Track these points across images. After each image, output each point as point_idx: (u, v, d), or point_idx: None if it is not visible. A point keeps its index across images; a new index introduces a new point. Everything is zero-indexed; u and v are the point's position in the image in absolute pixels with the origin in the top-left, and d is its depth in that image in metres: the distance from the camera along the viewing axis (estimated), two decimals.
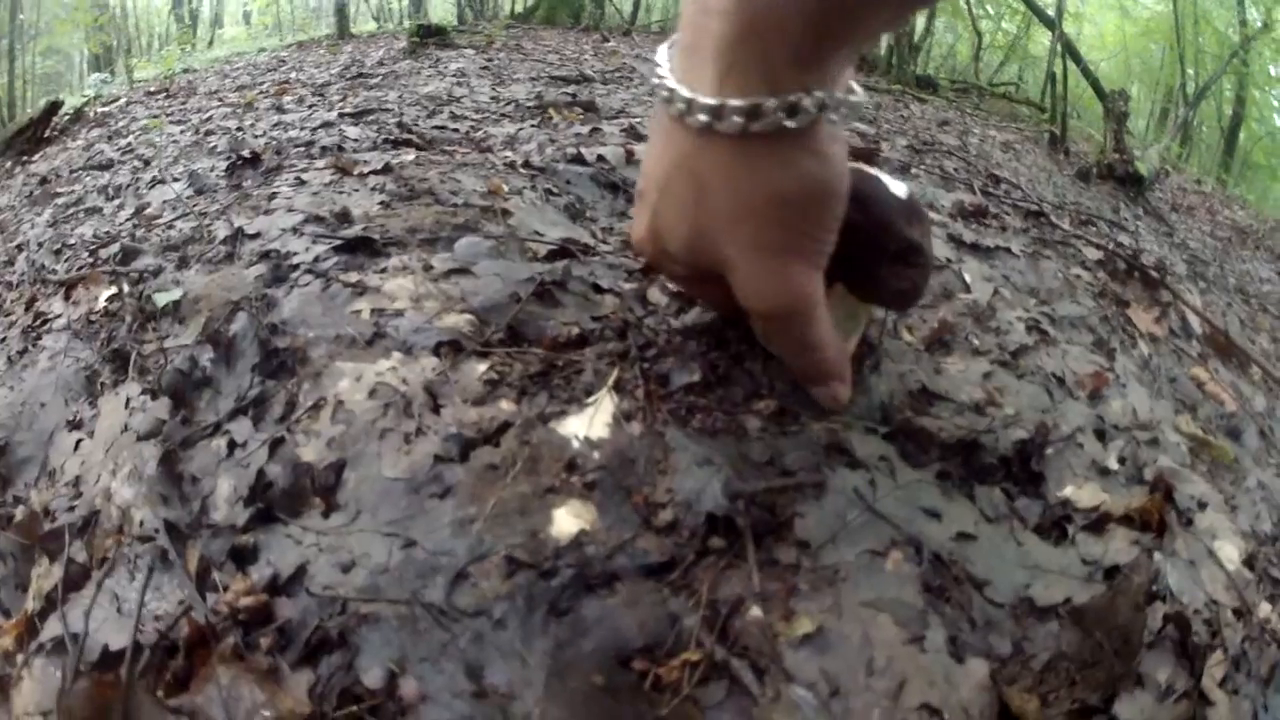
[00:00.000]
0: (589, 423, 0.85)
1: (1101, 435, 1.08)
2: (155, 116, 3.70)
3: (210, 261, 1.31)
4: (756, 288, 0.76)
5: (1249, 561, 0.97)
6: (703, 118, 0.68)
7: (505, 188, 1.49)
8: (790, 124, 0.67)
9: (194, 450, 0.90)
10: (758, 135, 0.68)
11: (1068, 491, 0.95)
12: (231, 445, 0.89)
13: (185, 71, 7.58)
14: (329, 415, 0.88)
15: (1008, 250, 1.74)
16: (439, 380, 0.91)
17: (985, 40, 11.53)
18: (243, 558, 0.77)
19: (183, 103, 4.32)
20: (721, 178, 0.71)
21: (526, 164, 1.71)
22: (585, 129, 2.20)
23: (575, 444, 0.83)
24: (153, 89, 5.96)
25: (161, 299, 1.16)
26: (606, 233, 1.40)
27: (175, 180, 2.01)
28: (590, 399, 0.89)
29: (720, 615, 0.70)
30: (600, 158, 1.74)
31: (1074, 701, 0.70)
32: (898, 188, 0.86)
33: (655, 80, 0.73)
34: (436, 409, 0.87)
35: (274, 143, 2.22)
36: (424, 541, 0.74)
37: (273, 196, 1.55)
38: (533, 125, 2.34)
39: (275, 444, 0.87)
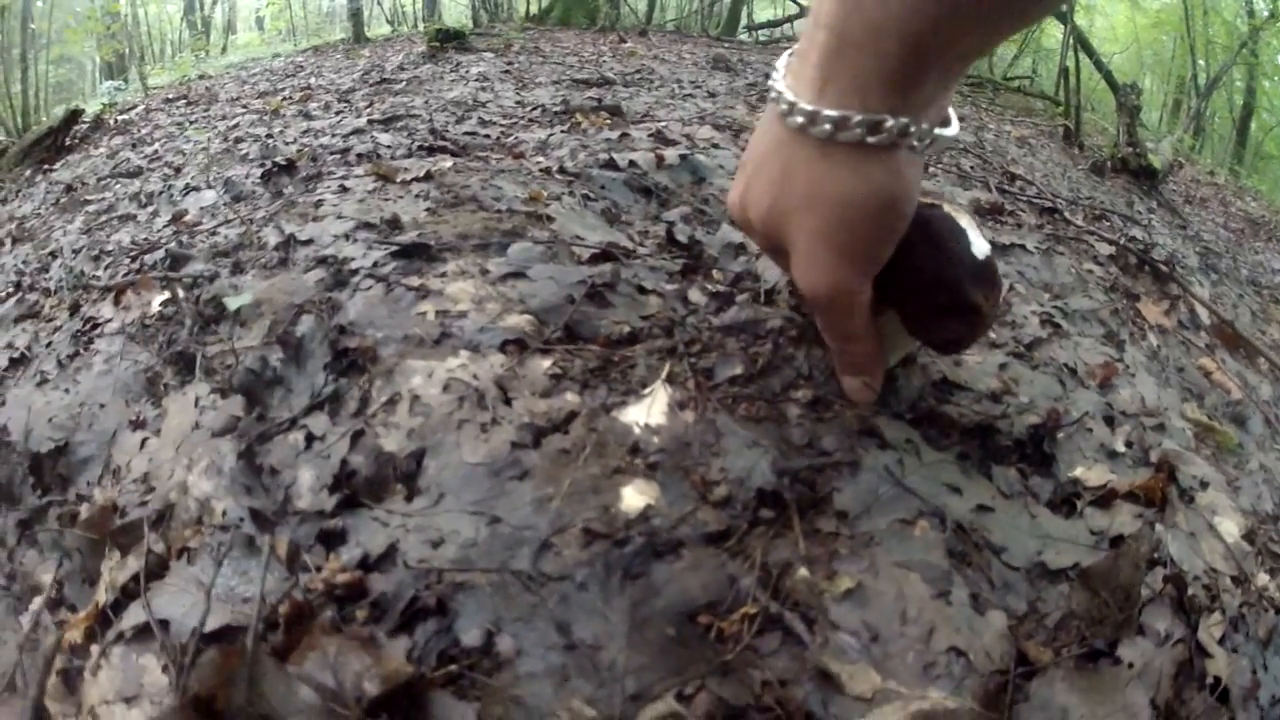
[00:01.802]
0: (647, 411, 0.92)
1: (1110, 421, 1.15)
2: (192, 123, 3.74)
3: (265, 267, 1.36)
4: (807, 272, 0.82)
5: (1249, 536, 1.04)
6: (799, 120, 0.75)
7: (544, 194, 1.54)
8: (871, 140, 0.73)
9: (271, 444, 0.96)
10: (842, 143, 0.74)
11: (1078, 471, 1.02)
12: (310, 438, 0.95)
13: (201, 78, 7.60)
14: (406, 408, 0.94)
15: (1023, 247, 1.79)
16: (508, 375, 0.97)
17: None
18: (331, 540, 0.83)
19: (205, 109, 4.36)
20: (804, 172, 0.78)
21: (562, 170, 1.76)
22: (614, 134, 2.24)
23: (636, 430, 0.90)
24: (171, 96, 5.99)
25: (232, 303, 1.21)
26: (643, 236, 1.46)
27: (210, 187, 2.06)
28: (646, 390, 0.96)
29: (772, 576, 0.78)
30: (632, 163, 1.79)
31: (1083, 646, 0.78)
32: (979, 247, 0.89)
33: (769, 82, 0.80)
34: (508, 401, 0.94)
35: (307, 150, 2.27)
36: (508, 518, 0.80)
37: (319, 204, 1.60)
38: (562, 131, 2.37)
39: (356, 435, 0.92)
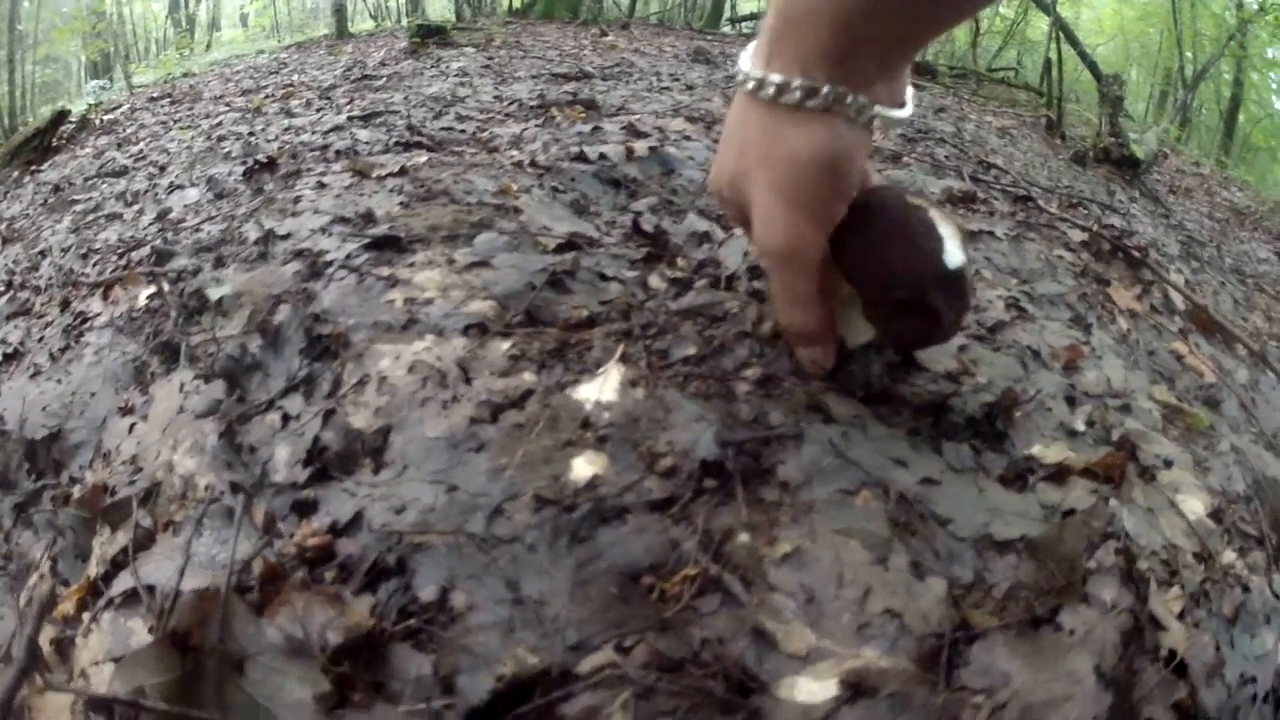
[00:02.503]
0: (600, 389, 0.96)
1: (1072, 401, 1.17)
2: (176, 122, 3.75)
3: (246, 261, 1.41)
4: (765, 226, 0.88)
5: (1216, 515, 1.04)
6: (750, 85, 0.84)
7: (515, 187, 1.58)
8: (809, 104, 0.81)
9: (250, 425, 1.01)
10: (786, 105, 0.82)
11: (1034, 449, 1.04)
12: (285, 418, 1.00)
13: (185, 76, 7.59)
14: (374, 389, 0.99)
15: (991, 234, 1.83)
16: (469, 357, 1.02)
17: (984, 26, 11.44)
18: (304, 510, 0.88)
19: (189, 108, 4.36)
20: (758, 133, 0.86)
21: (533, 163, 1.80)
22: (587, 128, 2.27)
23: (588, 406, 0.94)
24: (156, 94, 5.99)
25: (214, 293, 1.26)
26: (610, 226, 1.49)
27: (194, 186, 2.10)
28: (600, 370, 1.00)
29: (714, 541, 0.82)
30: (602, 155, 1.82)
31: (1026, 613, 0.81)
32: (954, 257, 0.90)
33: (738, 63, 0.88)
34: (468, 380, 0.98)
35: (288, 147, 2.31)
36: (465, 486, 0.85)
37: (297, 200, 1.64)
38: (536, 125, 2.41)
39: (327, 415, 0.97)
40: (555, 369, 1.01)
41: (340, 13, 9.23)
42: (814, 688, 0.72)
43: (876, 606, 0.78)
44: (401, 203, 1.50)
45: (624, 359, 1.02)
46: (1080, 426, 1.12)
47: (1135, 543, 0.92)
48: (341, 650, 0.72)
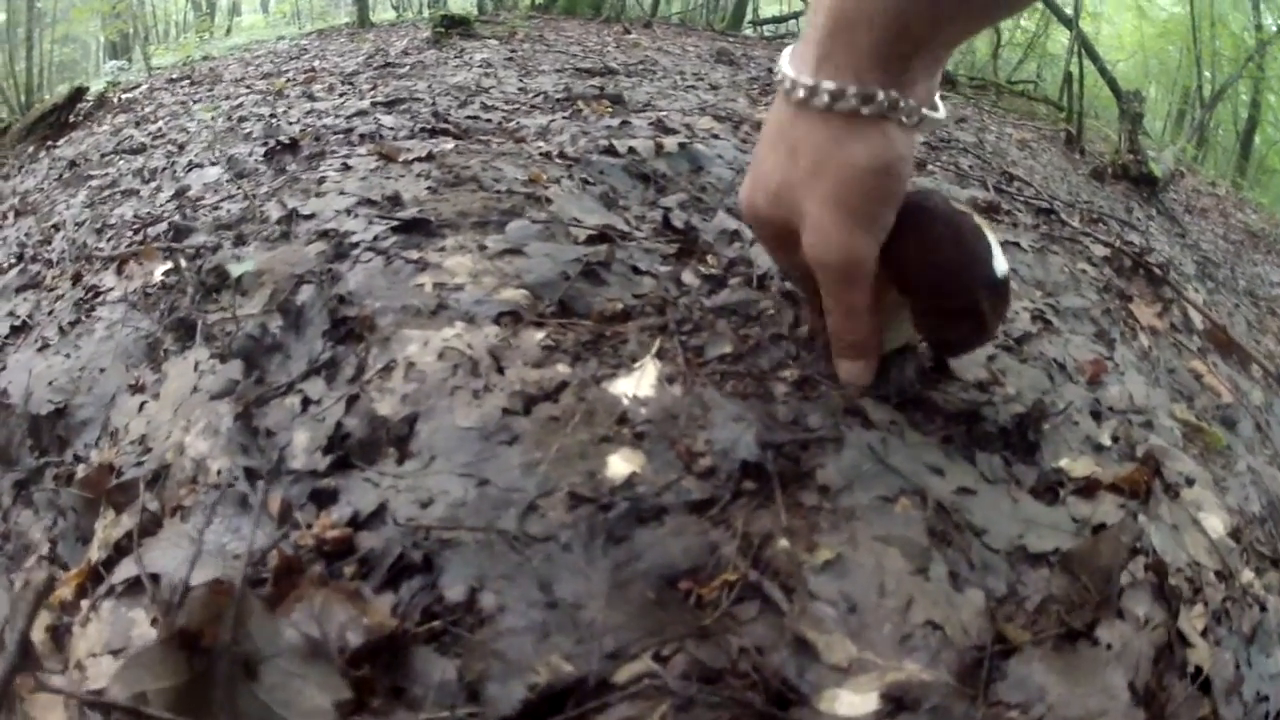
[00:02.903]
0: (636, 384, 0.94)
1: (1097, 416, 1.16)
2: (197, 102, 3.74)
3: (267, 239, 1.38)
4: (820, 236, 0.86)
5: (1234, 534, 1.04)
6: (801, 94, 0.82)
7: (544, 177, 1.56)
8: (865, 110, 0.80)
9: (268, 407, 0.98)
10: (840, 113, 0.81)
11: (1062, 462, 1.02)
12: (306, 402, 0.97)
13: (205, 59, 7.59)
14: (401, 375, 0.96)
15: (1017, 245, 1.81)
16: (501, 345, 0.99)
17: (1004, 38, 11.44)
18: (323, 499, 0.84)
19: (209, 89, 4.36)
20: (809, 143, 0.84)
21: (562, 154, 1.77)
22: (615, 122, 2.25)
23: (625, 401, 0.92)
24: (175, 76, 5.98)
25: (235, 269, 1.23)
26: (640, 220, 1.47)
27: (213, 165, 2.08)
28: (636, 364, 0.98)
29: (753, 545, 0.79)
30: (631, 150, 1.80)
31: (1062, 627, 0.78)
32: (1000, 264, 0.92)
33: (776, 70, 0.87)
34: (501, 370, 0.96)
35: (311, 130, 2.28)
36: (496, 480, 0.82)
37: (321, 180, 1.62)
38: (564, 117, 2.39)
39: (351, 400, 0.94)
40: (590, 362, 0.99)
41: (362, 1, 9.23)
42: (855, 700, 0.70)
43: (918, 618, 0.76)
44: (429, 187, 1.48)
45: (660, 354, 1.00)
46: (1106, 441, 1.11)
47: (1162, 558, 0.91)
48: (361, 652, 0.69)
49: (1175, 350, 1.71)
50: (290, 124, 2.45)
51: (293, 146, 2.03)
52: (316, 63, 5.08)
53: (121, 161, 2.70)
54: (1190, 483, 1.09)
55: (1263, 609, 0.96)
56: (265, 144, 2.09)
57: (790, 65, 0.84)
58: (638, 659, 0.70)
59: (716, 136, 2.14)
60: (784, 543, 0.80)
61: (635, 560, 0.77)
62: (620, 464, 0.85)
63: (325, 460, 0.88)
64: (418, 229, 1.26)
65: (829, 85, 0.80)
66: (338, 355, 1.02)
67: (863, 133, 0.81)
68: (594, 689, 0.68)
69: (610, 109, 2.59)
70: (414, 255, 1.18)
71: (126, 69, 8.82)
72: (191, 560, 0.79)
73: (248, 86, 4.01)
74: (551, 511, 0.79)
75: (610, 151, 1.80)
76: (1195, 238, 4.20)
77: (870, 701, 0.70)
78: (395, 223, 1.28)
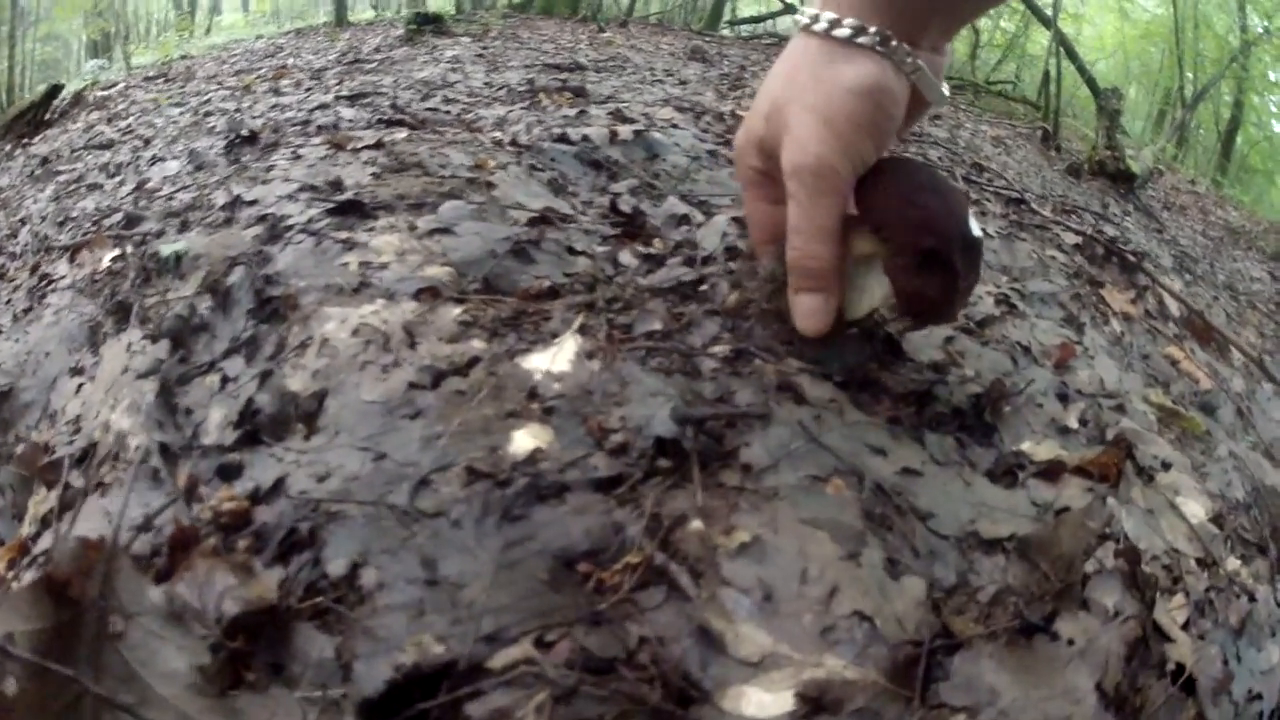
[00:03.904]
0: (552, 359, 0.92)
1: (1064, 399, 1.14)
2: (168, 99, 3.75)
3: (210, 225, 1.37)
4: (798, 143, 0.88)
5: (1217, 520, 1.01)
6: (806, 20, 0.89)
7: (492, 163, 1.54)
8: (860, 40, 0.86)
9: (190, 386, 0.97)
10: (836, 39, 0.87)
11: (1024, 445, 0.99)
12: (224, 380, 0.96)
13: (183, 58, 7.58)
14: (315, 351, 0.95)
15: (983, 231, 1.79)
16: (417, 321, 0.97)
17: (983, 39, 11.49)
18: (228, 474, 0.83)
19: (181, 87, 4.36)
20: (805, 60, 0.90)
21: (514, 142, 1.76)
22: (573, 112, 2.24)
23: (538, 376, 0.90)
24: (151, 74, 5.99)
25: (166, 249, 1.23)
26: (587, 205, 1.46)
27: (175, 158, 2.08)
28: (556, 340, 0.95)
29: (663, 527, 0.75)
30: (585, 138, 1.79)
31: (1015, 620, 0.74)
32: (974, 227, 0.93)
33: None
34: (413, 345, 0.94)
35: (271, 123, 2.27)
36: (394, 454, 0.80)
37: (270, 169, 1.61)
38: (522, 108, 2.38)
39: (264, 376, 0.93)
40: (508, 337, 0.97)
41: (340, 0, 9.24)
42: (766, 700, 0.65)
43: (844, 608, 0.70)
44: (373, 173, 1.46)
45: (583, 330, 0.98)
46: (1073, 424, 1.09)
47: (1136, 545, 0.88)
48: (239, 623, 0.66)
49: (1150, 336, 1.70)
50: (254, 118, 2.44)
51: (252, 139, 2.02)
52: (290, 60, 5.09)
53: (90, 157, 2.71)
54: (1166, 467, 1.07)
55: (1252, 599, 0.92)
56: (227, 137, 2.08)
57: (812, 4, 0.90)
58: (517, 644, 0.66)
59: (676, 126, 2.13)
60: (697, 524, 0.75)
61: (529, 539, 0.73)
62: (525, 439, 0.82)
63: (234, 435, 0.87)
64: (352, 211, 1.25)
65: (830, 14, 0.87)
66: (259, 334, 1.01)
67: (854, 57, 0.87)
68: (466, 673, 0.64)
69: (571, 101, 2.58)
70: (343, 235, 1.17)
71: (107, 67, 8.82)
72: (73, 519, 0.80)
73: (219, 83, 4.01)
74: (445, 487, 0.76)
75: (564, 139, 1.78)
76: (1173, 233, 4.21)
77: (784, 701, 0.65)
78: (331, 205, 1.27)
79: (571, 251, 1.19)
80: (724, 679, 0.66)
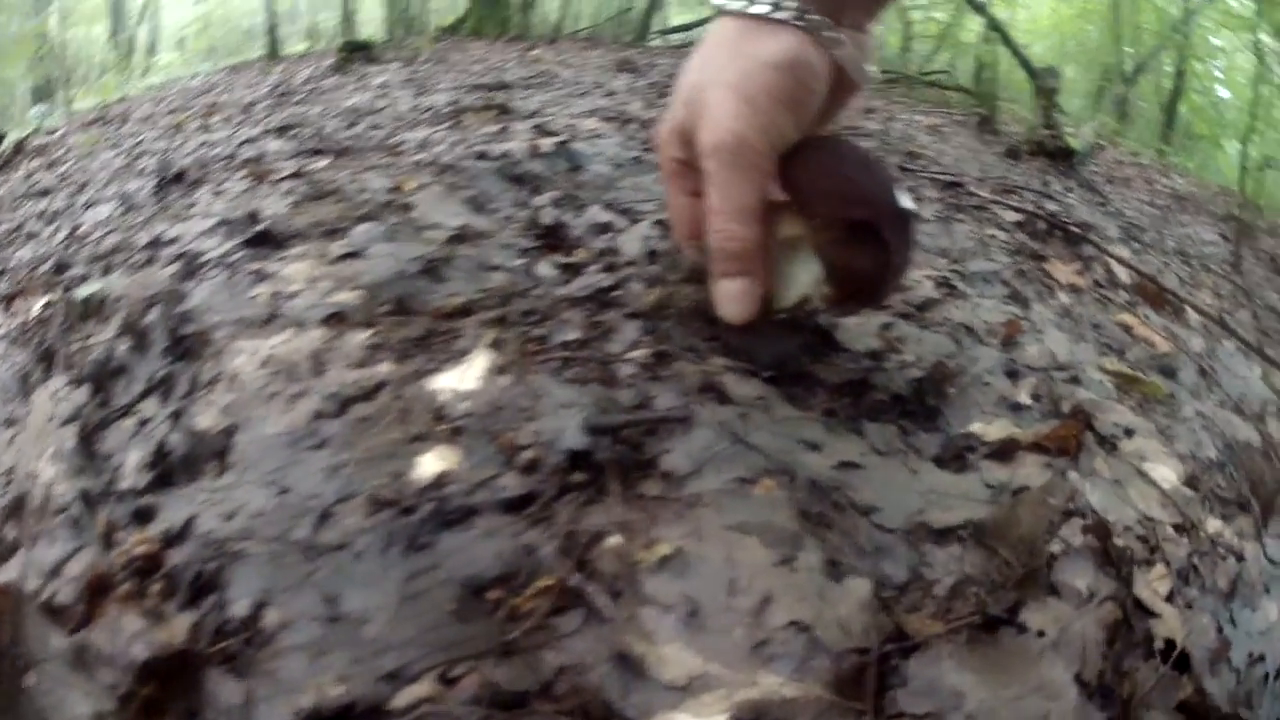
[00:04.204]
0: (461, 377, 0.90)
1: (1014, 375, 1.13)
2: (106, 141, 3.74)
3: (132, 266, 1.37)
4: (714, 120, 0.88)
5: (1191, 482, 1.00)
6: (722, 2, 0.89)
7: (411, 184, 1.54)
8: (776, 15, 0.86)
9: (109, 429, 0.96)
10: (754, 15, 0.87)
11: (973, 426, 0.97)
12: (142, 422, 0.95)
13: (121, 100, 7.55)
14: (224, 387, 0.94)
15: (917, 215, 1.78)
16: (324, 348, 0.96)
17: (915, 29, 11.53)
18: (143, 517, 0.82)
19: (118, 129, 4.33)
20: (723, 39, 0.90)
21: (435, 163, 1.75)
22: (495, 128, 2.25)
23: (445, 396, 0.88)
24: (91, 118, 5.95)
25: (82, 293, 1.23)
26: (507, 220, 1.44)
27: (107, 202, 2.08)
28: (465, 358, 0.93)
29: (579, 545, 0.72)
30: (505, 154, 1.78)
31: (974, 615, 0.70)
32: (906, 200, 0.92)
33: None
34: (320, 373, 0.92)
35: (199, 160, 2.27)
36: (297, 487, 0.78)
37: (191, 206, 1.62)
38: (445, 129, 2.38)
39: (176, 416, 0.92)
40: (416, 358, 0.94)
41: (273, 33, 9.24)
42: None
43: (778, 618, 0.66)
44: (291, 202, 1.45)
45: (494, 345, 0.95)
46: (1025, 400, 1.08)
47: (1105, 518, 0.85)
48: (150, 669, 0.65)
49: (1100, 306, 1.69)
50: (183, 156, 2.45)
51: (179, 177, 2.01)
52: (223, 96, 5.06)
53: (29, 205, 2.70)
54: (1130, 434, 1.06)
55: (1239, 559, 0.90)
56: (157, 178, 2.08)
57: None
58: (420, 681, 0.63)
59: (600, 136, 2.13)
60: (615, 540, 0.72)
61: (435, 568, 0.70)
62: (432, 463, 0.79)
63: (148, 477, 0.86)
64: (266, 241, 1.25)
65: None
66: (174, 373, 1.00)
67: (772, 31, 0.86)
68: (366, 715, 0.62)
69: (494, 118, 2.57)
70: (256, 267, 1.16)
71: (49, 113, 8.75)
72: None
73: (153, 124, 3.99)
74: (348, 518, 0.74)
75: (484, 156, 1.78)
76: (1118, 205, 4.20)
77: None
78: (246, 237, 1.26)
79: (487, 267, 1.18)
80: (649, 706, 0.62)
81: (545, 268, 1.19)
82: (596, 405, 0.86)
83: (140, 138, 3.39)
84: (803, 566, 0.71)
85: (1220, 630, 0.78)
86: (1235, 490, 1.05)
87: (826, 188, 0.90)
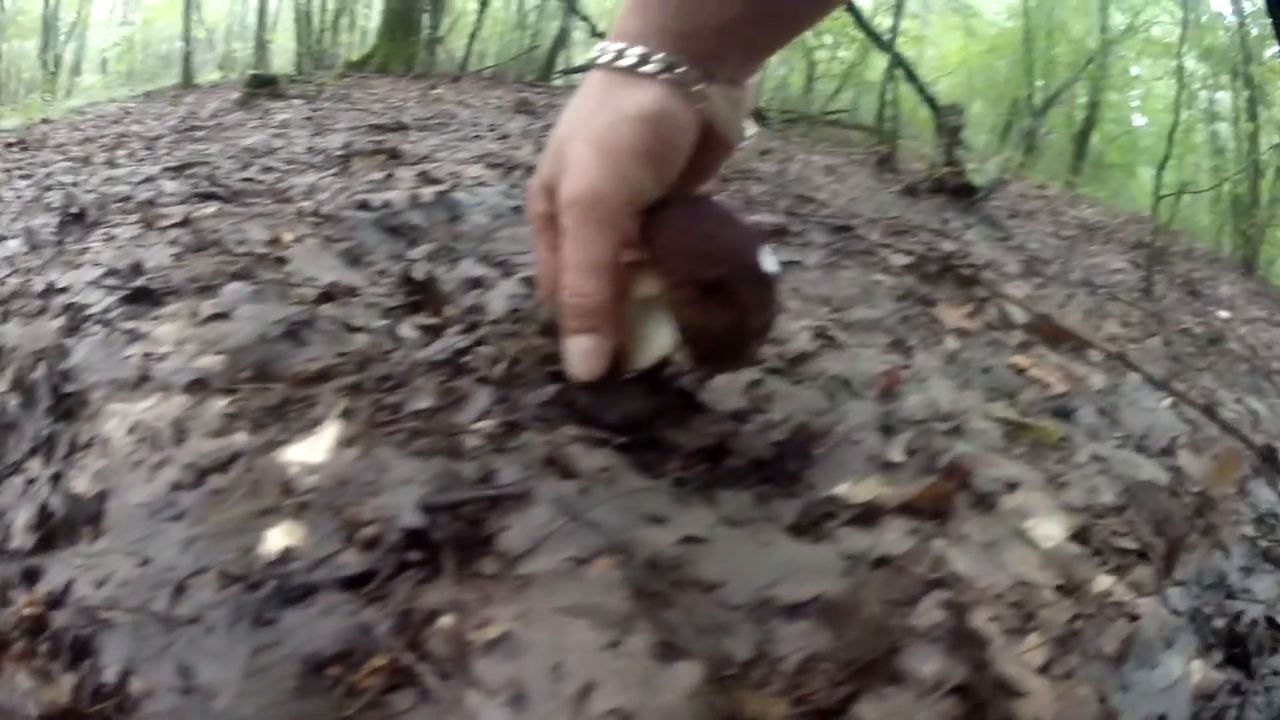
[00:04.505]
0: (310, 449, 0.90)
1: (888, 430, 1.09)
2: (19, 170, 3.68)
3: (27, 315, 1.38)
4: (572, 175, 0.87)
5: (1081, 535, 0.96)
6: (595, 53, 0.90)
7: (288, 236, 1.55)
8: (643, 69, 0.85)
9: (2, 486, 1.00)
10: (621, 69, 0.87)
11: (839, 489, 0.93)
12: (29, 481, 0.98)
13: (44, 121, 7.45)
14: (98, 451, 0.95)
15: (799, 264, 1.82)
16: (185, 416, 0.97)
17: (820, 69, 11.61)
18: (31, 578, 0.85)
19: (34, 155, 4.28)
20: (591, 93, 0.90)
21: (316, 212, 1.76)
22: (380, 175, 2.26)
23: (294, 469, 0.87)
24: (12, 140, 5.86)
25: None
26: (380, 275, 1.45)
27: (15, 237, 2.05)
28: (317, 428, 0.94)
29: (413, 625, 0.71)
30: (386, 203, 1.79)
31: (800, 704, 0.66)
32: (768, 262, 0.90)
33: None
34: (180, 442, 0.93)
35: (100, 198, 2.26)
36: (156, 558, 0.80)
37: (84, 251, 1.62)
38: (332, 175, 2.39)
39: (55, 478, 0.95)
40: (271, 428, 0.94)
41: (188, 61, 9.24)
42: None
43: (600, 705, 0.64)
44: (174, 254, 1.46)
45: (345, 415, 0.95)
46: (898, 457, 1.03)
47: (973, 587, 0.80)
48: None
49: (991, 348, 1.66)
50: (87, 193, 2.43)
51: (80, 217, 2.01)
52: (133, 126, 5.06)
53: None
54: (1012, 488, 1.01)
55: (1132, 618, 0.84)
56: (61, 215, 2.07)
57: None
58: None
59: (484, 184, 2.14)
60: (448, 620, 0.71)
61: (279, 644, 0.70)
62: (278, 538, 0.79)
63: (34, 539, 0.89)
64: (143, 297, 1.25)
65: (616, 46, 0.86)
66: (55, 432, 1.02)
67: (637, 85, 0.86)
68: None
69: (382, 164, 2.59)
70: (131, 325, 1.17)
71: None
72: None
73: (65, 153, 3.97)
74: (200, 592, 0.75)
75: (365, 206, 1.79)
76: (1021, 239, 4.25)
77: None
78: (126, 293, 1.27)
79: (349, 328, 1.18)
80: None
81: (407, 329, 1.20)
82: (437, 481, 0.85)
83: (52, 168, 3.38)
84: (630, 650, 0.68)
85: (1104, 700, 0.73)
86: (1136, 537, 1.01)
87: (681, 245, 0.88)
